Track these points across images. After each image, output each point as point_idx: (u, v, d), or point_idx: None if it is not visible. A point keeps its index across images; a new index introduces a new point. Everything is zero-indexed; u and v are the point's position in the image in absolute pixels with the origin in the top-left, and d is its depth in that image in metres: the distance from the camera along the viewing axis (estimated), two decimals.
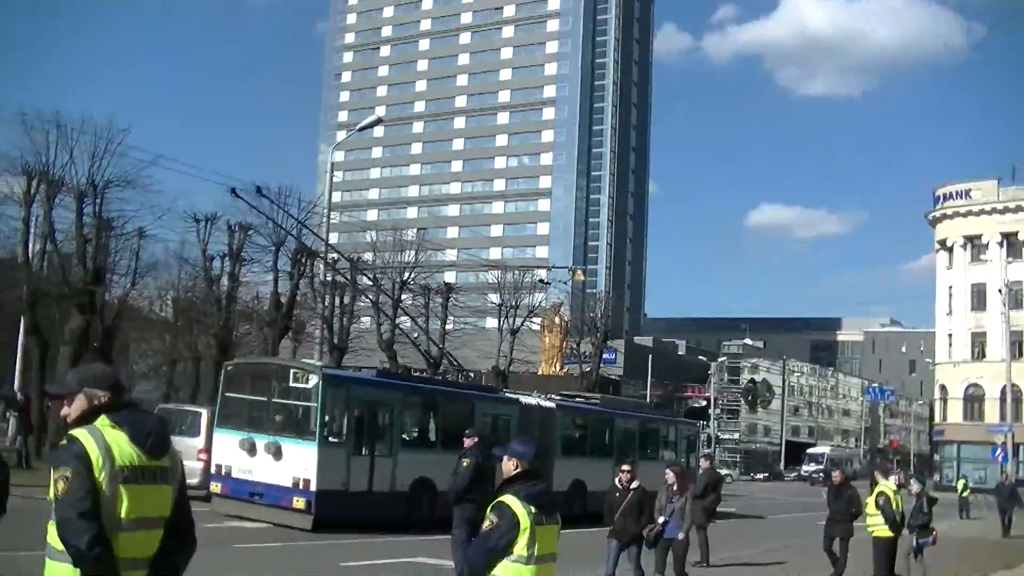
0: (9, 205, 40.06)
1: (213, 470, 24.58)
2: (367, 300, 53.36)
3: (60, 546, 4.49)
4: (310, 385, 24.06)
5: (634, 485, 15.15)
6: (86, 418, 4.76)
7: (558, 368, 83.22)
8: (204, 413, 28.33)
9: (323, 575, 17.21)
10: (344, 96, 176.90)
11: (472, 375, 46.18)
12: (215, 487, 24.25)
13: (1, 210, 41.31)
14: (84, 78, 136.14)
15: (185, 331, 54.68)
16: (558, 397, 35.06)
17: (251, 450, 23.51)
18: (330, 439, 23.78)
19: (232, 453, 23.90)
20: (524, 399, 31.17)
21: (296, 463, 22.91)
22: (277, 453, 23.15)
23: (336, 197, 49.78)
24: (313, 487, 22.64)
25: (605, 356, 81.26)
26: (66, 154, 37.13)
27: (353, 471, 23.84)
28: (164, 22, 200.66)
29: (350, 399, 24.94)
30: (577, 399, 37.45)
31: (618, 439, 34.42)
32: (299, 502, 22.62)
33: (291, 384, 24.96)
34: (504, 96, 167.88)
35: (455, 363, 36.87)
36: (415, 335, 49.80)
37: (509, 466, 6.83)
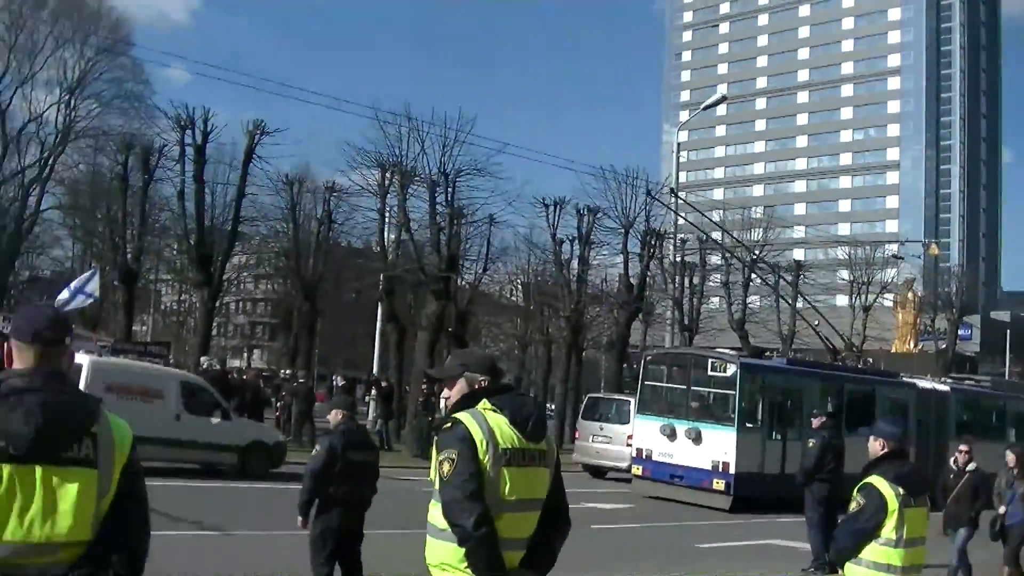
0: (365, 197, 41.82)
1: (634, 454, 26.35)
2: (716, 280, 52.71)
3: (443, 525, 4.61)
4: (728, 373, 25.06)
5: (971, 467, 14.50)
6: (467, 401, 4.84)
7: (912, 346, 79.64)
8: (633, 401, 29.47)
9: (674, 556, 16.71)
10: (685, 75, 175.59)
11: (871, 360, 45.84)
12: (636, 470, 26.06)
13: (357, 202, 43.26)
14: (431, 71, 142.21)
15: (536, 315, 55.62)
16: (951, 380, 35.51)
17: (671, 435, 24.94)
18: (747, 424, 24.75)
19: (653, 438, 25.40)
20: (921, 383, 31.41)
21: (715, 447, 24.16)
22: (697, 438, 24.42)
23: (682, 177, 49.28)
24: (732, 470, 23.80)
25: (961, 333, 77.27)
26: (417, 145, 38.34)
27: (767, 454, 24.85)
28: (503, 13, 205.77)
29: (764, 386, 26.24)
30: (966, 382, 37.76)
31: (1011, 422, 33.70)
32: (719, 484, 23.91)
33: (709, 372, 25.96)
34: (847, 68, 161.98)
35: (855, 348, 36.42)
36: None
37: (876, 446, 6.82)
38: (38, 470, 3.39)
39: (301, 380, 34.78)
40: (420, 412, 33.39)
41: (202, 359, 34.45)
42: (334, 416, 10.15)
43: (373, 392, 36.50)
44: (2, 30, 59.78)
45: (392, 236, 41.58)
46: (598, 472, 30.72)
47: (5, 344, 3.68)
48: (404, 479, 23.30)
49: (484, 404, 4.76)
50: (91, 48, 61.03)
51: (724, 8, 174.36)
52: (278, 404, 35.74)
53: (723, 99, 55.23)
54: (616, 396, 34.07)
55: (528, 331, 59.48)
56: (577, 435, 32.94)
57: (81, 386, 19.63)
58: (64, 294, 33.18)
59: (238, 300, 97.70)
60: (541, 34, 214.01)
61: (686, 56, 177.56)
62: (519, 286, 61.48)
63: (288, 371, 37.76)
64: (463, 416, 4.70)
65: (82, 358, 21.46)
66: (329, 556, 9.70)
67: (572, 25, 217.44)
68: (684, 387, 26.48)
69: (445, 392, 5.08)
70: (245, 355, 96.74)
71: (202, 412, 22.41)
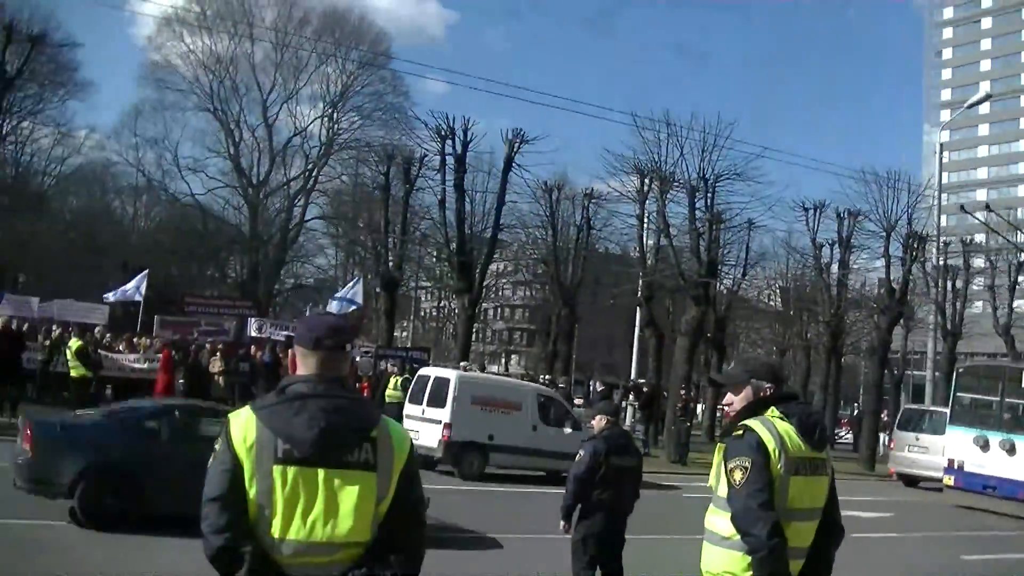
0: (623, 203, 41.92)
1: (946, 464, 26.22)
2: (980, 283, 50.76)
3: (725, 533, 4.62)
4: None
5: None
6: (753, 409, 4.82)
7: None
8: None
9: (932, 571, 16.08)
10: (946, 74, 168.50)
11: None
12: (948, 480, 26.03)
13: (615, 208, 43.39)
14: (689, 77, 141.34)
15: (794, 319, 54.71)
16: None
17: (984, 446, 24.91)
18: None
19: (965, 449, 25.43)
20: None
21: None
22: (1011, 449, 24.32)
23: (944, 178, 47.46)
24: None
25: None
26: (676, 151, 38.12)
27: None
28: (757, 15, 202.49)
29: None
30: None
31: None
32: None
33: (1023, 384, 25.70)
34: None
35: None
36: None
37: None
38: (320, 473, 3.50)
39: (561, 386, 35.17)
40: (679, 418, 33.21)
41: (461, 364, 35.17)
42: (597, 422, 10.15)
43: (631, 397, 36.46)
44: (269, 48, 62.87)
45: (651, 241, 41.63)
46: (912, 481, 31.73)
47: (289, 351, 3.82)
48: (663, 484, 23.20)
49: (772, 412, 4.75)
50: (352, 63, 63.48)
51: (986, 2, 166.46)
52: None
53: (987, 97, 53.07)
54: (933, 408, 34.41)
55: (786, 336, 58.63)
56: (892, 445, 34.11)
57: (449, 399, 20.68)
58: (333, 304, 34.52)
59: (496, 306, 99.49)
60: (797, 36, 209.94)
61: (947, 54, 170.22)
62: (777, 291, 60.64)
63: (547, 376, 38.12)
64: (754, 424, 4.69)
65: (449, 373, 24.39)
66: (590, 561, 9.71)
67: (827, 26, 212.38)
68: (997, 399, 26.20)
69: (728, 398, 5.05)
70: (503, 360, 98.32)
71: (555, 423, 23.90)
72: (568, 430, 23.60)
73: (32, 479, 12.59)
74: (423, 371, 26.02)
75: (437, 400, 22.93)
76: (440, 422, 22.59)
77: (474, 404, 22.64)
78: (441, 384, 23.37)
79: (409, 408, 24.29)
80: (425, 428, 22.54)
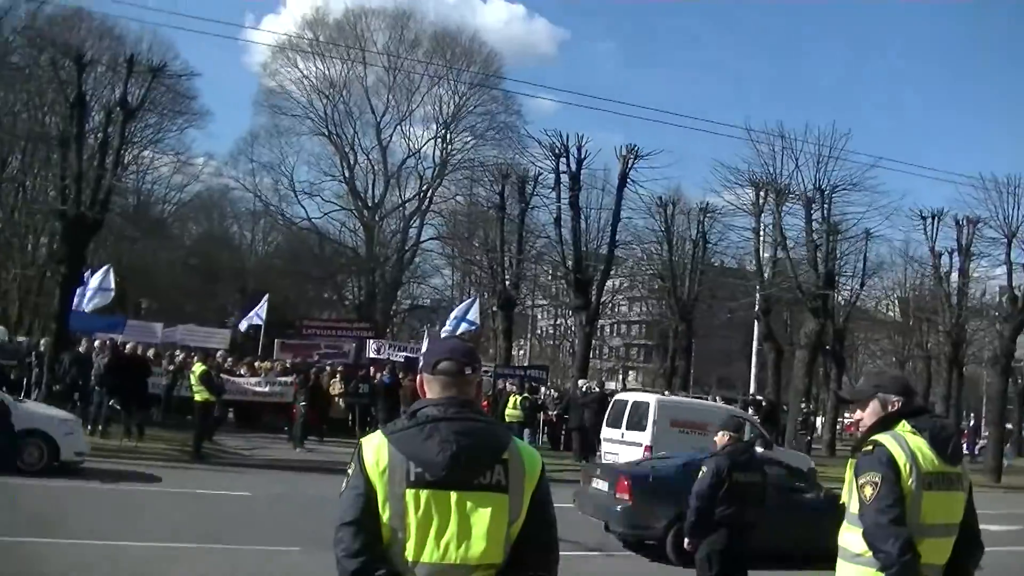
0: (739, 216, 41.64)
1: None
2: None
3: (858, 549, 4.57)
4: None
5: None
6: (883, 423, 4.76)
7: None
8: None
9: None
10: None
11: None
12: None
13: (731, 221, 43.06)
14: (800, 88, 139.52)
15: (914, 330, 53.89)
16: None
17: None
18: None
19: None
20: None
21: None
22: None
23: None
24: None
25: None
26: (791, 162, 37.84)
27: None
28: (866, 22, 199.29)
29: None
30: None
31: None
32: None
33: None
34: None
35: None
36: None
37: None
38: (453, 495, 3.52)
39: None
40: (799, 432, 32.80)
41: (580, 382, 35.14)
42: (720, 438, 10.07)
43: (751, 411, 36.09)
44: (381, 72, 63.59)
45: (767, 254, 41.30)
46: None
47: (418, 376, 3.86)
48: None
49: (903, 426, 4.68)
50: (464, 84, 63.77)
51: None
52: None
53: None
54: None
55: (906, 347, 57.82)
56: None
57: (649, 422, 21.69)
58: (448, 324, 34.80)
59: (613, 322, 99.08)
60: (910, 41, 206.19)
61: None
62: (896, 301, 59.80)
63: (666, 392, 37.94)
64: (884, 439, 4.62)
65: (648, 397, 25.66)
66: None
67: (938, 32, 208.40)
68: None
69: (856, 414, 4.99)
70: (620, 376, 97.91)
71: None
72: (760, 450, 23.98)
73: (631, 524, 14.85)
74: (620, 396, 27.92)
75: (636, 423, 24.10)
76: (641, 444, 23.42)
77: (673, 426, 23.41)
78: (640, 408, 24.65)
79: (607, 432, 25.71)
80: (625, 450, 23.52)
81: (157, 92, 39.64)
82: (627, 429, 24.48)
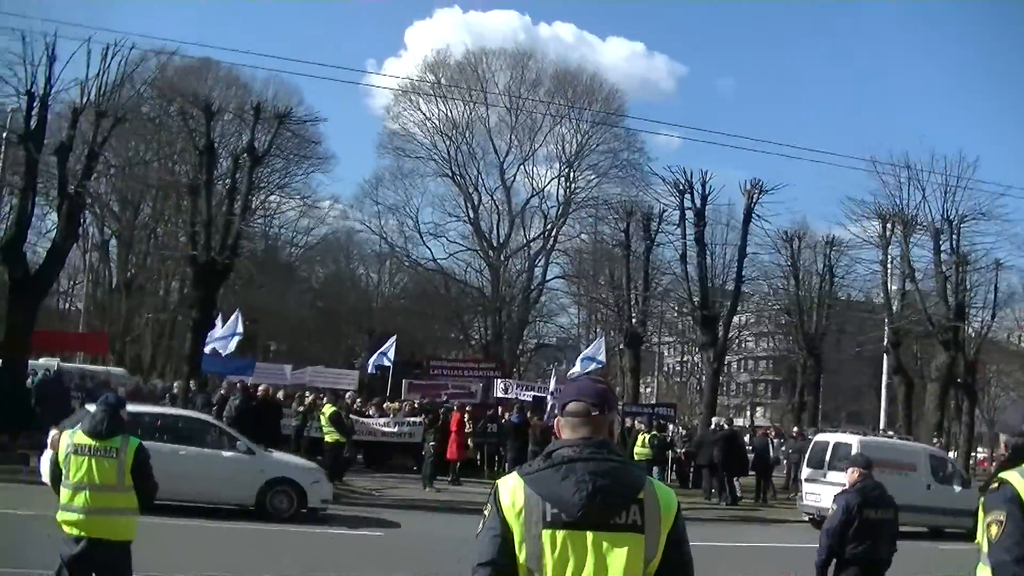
0: (866, 249, 41.10)
1: None
2: None
3: None
4: None
5: None
6: (1012, 460, 4.48)
7: None
8: None
9: None
10: None
11: None
12: None
13: (857, 254, 42.51)
14: (924, 119, 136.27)
15: None
16: None
17: None
18: None
19: None
20: None
21: None
22: None
23: None
24: None
25: None
26: (918, 193, 37.29)
27: None
28: (996, 39, 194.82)
29: None
30: None
31: None
32: None
33: None
34: None
35: None
36: None
37: None
38: (589, 535, 3.57)
39: (809, 437, 34.45)
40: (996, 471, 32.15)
41: (712, 419, 34.88)
42: (851, 475, 10.00)
43: None
44: (503, 112, 64.14)
45: (895, 287, 40.63)
46: None
47: (557, 419, 3.94)
48: (915, 538, 22.47)
49: None
50: (586, 122, 63.98)
51: None
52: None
53: None
54: None
55: None
56: None
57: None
58: (578, 365, 34.86)
59: (740, 358, 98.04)
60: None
61: None
62: None
63: (796, 428, 37.47)
64: (1010, 475, 4.52)
65: (850, 438, 26.47)
66: None
67: None
68: None
69: (1000, 450, 4.90)
70: (748, 413, 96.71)
71: (946, 481, 25.30)
72: (958, 488, 24.83)
73: None
74: (820, 437, 28.74)
75: (839, 464, 23.98)
76: (844, 485, 22.94)
77: (875, 467, 22.98)
78: (841, 449, 25.27)
79: (808, 472, 26.54)
80: (827, 491, 23.32)
81: (283, 138, 40.52)
82: (829, 469, 25.15)
